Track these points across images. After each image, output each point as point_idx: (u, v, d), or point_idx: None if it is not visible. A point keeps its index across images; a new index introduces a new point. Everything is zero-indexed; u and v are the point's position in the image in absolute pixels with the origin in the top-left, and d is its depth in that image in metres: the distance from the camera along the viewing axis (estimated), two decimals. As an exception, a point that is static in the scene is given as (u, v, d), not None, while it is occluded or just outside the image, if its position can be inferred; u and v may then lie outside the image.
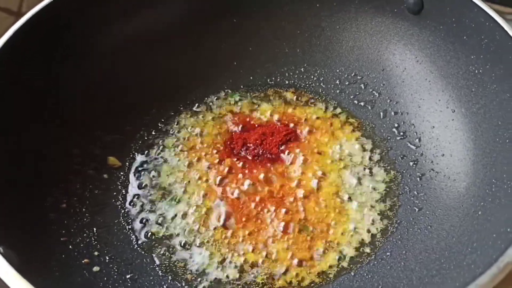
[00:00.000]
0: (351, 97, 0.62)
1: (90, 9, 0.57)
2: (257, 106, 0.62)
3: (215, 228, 0.52)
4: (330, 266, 0.49)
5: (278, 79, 0.65)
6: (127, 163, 0.57)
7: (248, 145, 0.58)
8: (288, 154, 0.57)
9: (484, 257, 0.41)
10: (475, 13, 0.51)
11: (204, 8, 0.64)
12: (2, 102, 0.49)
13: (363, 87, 0.62)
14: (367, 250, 0.50)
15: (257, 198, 0.53)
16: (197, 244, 0.51)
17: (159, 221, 0.52)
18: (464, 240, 0.45)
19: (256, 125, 0.60)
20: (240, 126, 0.60)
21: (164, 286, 0.48)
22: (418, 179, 0.54)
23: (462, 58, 0.54)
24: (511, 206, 0.43)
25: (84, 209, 0.52)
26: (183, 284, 0.48)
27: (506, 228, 0.41)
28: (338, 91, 0.63)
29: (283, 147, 0.58)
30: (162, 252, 0.50)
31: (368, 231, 0.51)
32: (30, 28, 0.52)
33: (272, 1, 0.64)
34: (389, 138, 0.58)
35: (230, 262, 0.49)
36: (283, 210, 0.53)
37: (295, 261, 0.49)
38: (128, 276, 0.48)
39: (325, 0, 0.63)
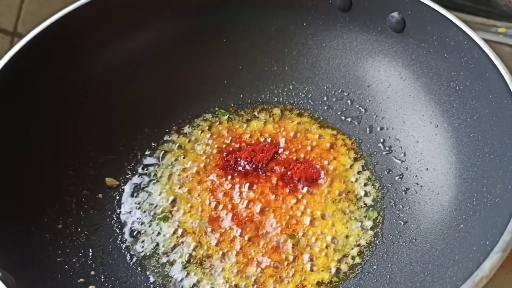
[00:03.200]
0: (339, 113, 0.64)
1: (85, 32, 0.59)
2: (247, 123, 0.64)
3: (207, 248, 0.53)
4: (318, 281, 0.50)
5: (268, 97, 0.66)
6: (121, 183, 0.58)
7: (239, 162, 0.59)
8: (277, 169, 0.59)
9: (464, 269, 0.42)
10: (454, 32, 0.53)
11: (194, 29, 0.66)
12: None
13: (349, 103, 0.64)
14: (354, 263, 0.51)
15: (247, 213, 0.55)
16: (190, 262, 0.52)
17: (152, 240, 0.54)
18: (447, 253, 0.47)
19: (247, 143, 0.62)
20: (231, 144, 0.62)
21: (158, 303, 0.50)
22: (403, 193, 0.56)
23: (443, 75, 0.56)
24: (490, 219, 0.44)
25: (79, 230, 0.53)
26: (177, 301, 0.50)
27: (485, 241, 0.42)
28: (325, 108, 0.65)
29: (273, 164, 0.59)
30: (156, 270, 0.51)
31: (355, 244, 0.53)
32: (25, 51, 0.54)
33: (260, 21, 0.66)
34: (375, 152, 0.60)
35: (221, 279, 0.51)
36: (273, 227, 0.54)
37: (281, 277, 0.51)
38: (123, 294, 0.49)
39: (312, 19, 0.65)
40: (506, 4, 0.76)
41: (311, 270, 0.51)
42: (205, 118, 0.64)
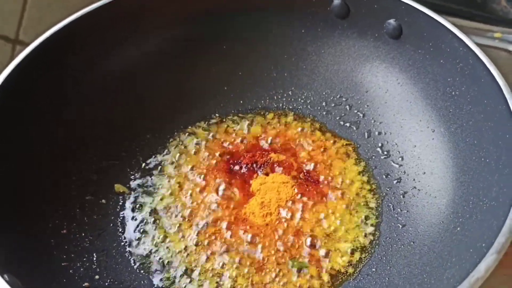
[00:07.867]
0: (337, 118, 0.65)
1: (87, 39, 0.60)
2: (247, 129, 0.65)
3: (211, 253, 0.54)
4: (317, 283, 0.51)
5: (267, 102, 0.67)
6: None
7: (241, 167, 0.60)
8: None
9: (462, 271, 0.43)
10: (450, 39, 0.54)
11: (194, 35, 0.67)
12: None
13: (348, 108, 0.65)
14: (353, 266, 0.52)
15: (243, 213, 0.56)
16: (194, 269, 0.53)
17: (156, 244, 0.54)
18: (444, 255, 0.48)
19: (247, 148, 0.63)
20: (232, 149, 0.63)
21: (162, 307, 0.51)
22: (401, 196, 0.57)
23: (440, 80, 0.57)
24: (486, 222, 0.45)
25: (83, 234, 0.54)
26: (180, 304, 0.51)
27: (481, 243, 0.43)
28: (324, 113, 0.66)
29: (275, 168, 0.60)
30: (159, 274, 0.52)
31: (354, 247, 0.53)
32: (30, 57, 0.54)
33: (260, 28, 0.67)
34: (373, 157, 0.61)
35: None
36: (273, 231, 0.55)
37: (280, 277, 0.52)
38: (127, 298, 0.50)
39: (310, 26, 0.66)
40: (502, 9, 0.78)
41: (310, 272, 0.52)
42: (206, 124, 0.65)
